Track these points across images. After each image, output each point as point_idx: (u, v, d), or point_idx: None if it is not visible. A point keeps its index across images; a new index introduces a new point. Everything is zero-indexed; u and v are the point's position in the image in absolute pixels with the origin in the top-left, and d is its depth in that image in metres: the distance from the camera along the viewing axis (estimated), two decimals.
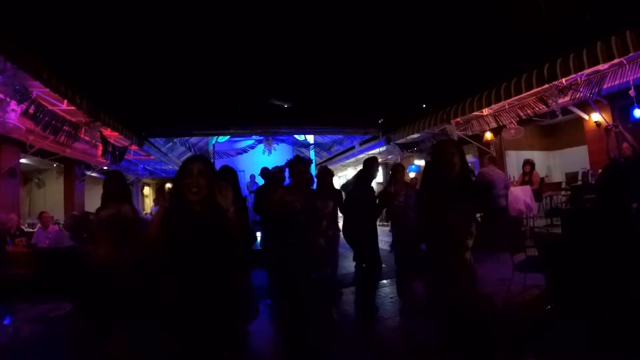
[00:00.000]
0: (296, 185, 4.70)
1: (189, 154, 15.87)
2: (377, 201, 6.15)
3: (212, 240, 2.44)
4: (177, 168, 17.66)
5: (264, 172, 7.65)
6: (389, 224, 14.80)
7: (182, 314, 2.38)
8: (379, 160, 18.11)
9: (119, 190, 4.76)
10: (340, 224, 6.30)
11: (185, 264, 2.40)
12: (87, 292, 4.34)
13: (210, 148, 15.77)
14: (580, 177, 11.44)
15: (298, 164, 4.71)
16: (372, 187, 6.16)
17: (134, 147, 11.31)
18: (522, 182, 10.68)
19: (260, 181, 9.20)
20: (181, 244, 2.40)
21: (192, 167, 2.54)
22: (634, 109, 8.88)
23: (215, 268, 2.45)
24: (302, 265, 4.42)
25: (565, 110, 10.22)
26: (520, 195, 9.62)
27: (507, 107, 10.53)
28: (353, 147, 15.94)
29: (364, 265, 5.89)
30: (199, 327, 2.38)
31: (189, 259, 2.40)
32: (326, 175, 6.50)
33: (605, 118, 10.44)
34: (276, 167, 6.61)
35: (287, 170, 5.03)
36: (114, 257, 4.37)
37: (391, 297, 6.37)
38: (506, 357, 4.01)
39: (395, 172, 6.32)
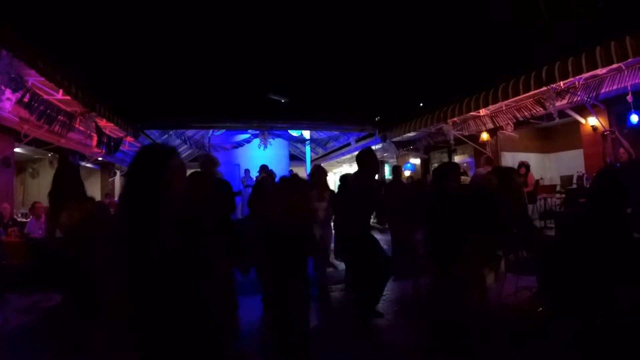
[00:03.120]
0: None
1: (191, 149, 15.77)
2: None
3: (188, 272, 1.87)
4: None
5: (263, 169, 7.65)
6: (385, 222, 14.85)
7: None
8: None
9: (75, 183, 4.19)
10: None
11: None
12: (76, 284, 4.30)
13: (206, 141, 15.75)
14: (575, 181, 11.47)
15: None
16: (370, 188, 5.44)
17: (129, 139, 11.26)
18: None
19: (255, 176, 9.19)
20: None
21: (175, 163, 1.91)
22: (630, 114, 8.90)
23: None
24: (294, 262, 4.38)
25: (562, 113, 10.22)
26: None
27: (504, 108, 10.53)
28: (349, 144, 15.94)
29: (364, 266, 5.51)
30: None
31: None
32: (321, 174, 6.47)
33: (602, 122, 10.46)
34: (267, 172, 6.52)
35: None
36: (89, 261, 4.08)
37: (383, 295, 6.36)
38: (497, 358, 4.02)
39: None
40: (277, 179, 6.42)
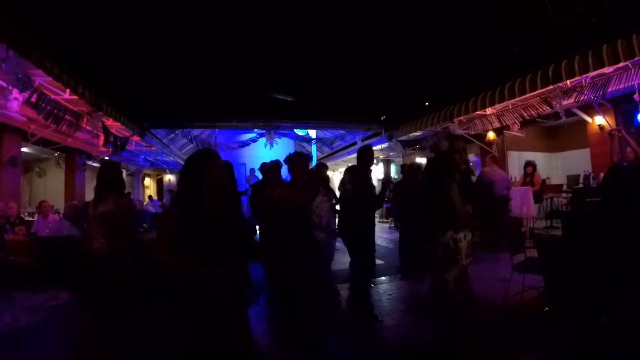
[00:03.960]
0: (296, 183, 4.67)
1: (199, 148, 15.85)
2: (376, 193, 6.01)
3: (225, 235, 2.64)
4: (179, 160, 17.74)
5: (263, 167, 7.66)
6: (390, 220, 14.87)
7: (189, 301, 2.53)
8: (381, 157, 17.94)
9: (116, 182, 4.71)
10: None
11: (197, 256, 2.52)
12: (85, 282, 4.34)
13: (212, 140, 15.78)
14: (581, 180, 11.44)
15: (297, 160, 4.65)
16: (370, 178, 5.97)
17: (135, 138, 11.32)
18: (524, 183, 10.70)
19: (260, 176, 9.19)
20: (197, 241, 2.53)
21: (218, 162, 2.76)
22: (637, 113, 8.86)
23: (223, 257, 2.61)
24: (299, 260, 4.41)
25: (568, 112, 10.20)
26: (522, 196, 9.64)
27: (510, 107, 10.53)
28: (355, 143, 15.90)
29: (355, 259, 5.77)
30: (206, 313, 2.53)
31: (202, 253, 2.53)
32: (322, 169, 6.49)
33: (609, 121, 10.42)
34: (272, 162, 6.55)
35: (285, 165, 4.99)
36: (108, 251, 4.34)
37: (389, 294, 6.37)
38: (504, 357, 4.01)
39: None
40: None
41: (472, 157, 16.05)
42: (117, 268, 4.31)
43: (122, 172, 4.93)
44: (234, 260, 2.67)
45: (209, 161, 2.74)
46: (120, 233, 4.50)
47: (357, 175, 5.73)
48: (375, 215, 6.45)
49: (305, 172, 4.73)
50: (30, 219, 10.03)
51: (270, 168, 6.48)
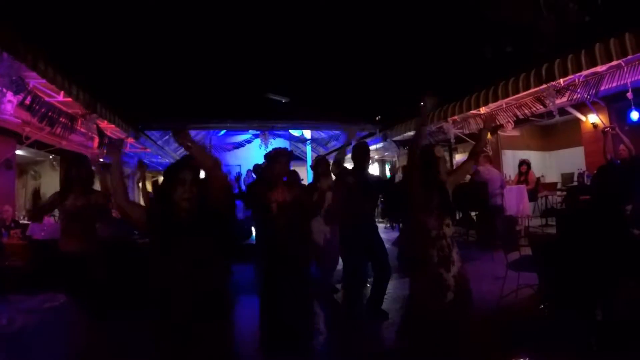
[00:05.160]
0: (277, 181, 4.52)
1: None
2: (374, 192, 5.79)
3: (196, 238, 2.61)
4: (173, 162, 17.75)
5: (256, 168, 7.65)
6: (386, 220, 14.85)
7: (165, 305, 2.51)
8: (376, 157, 17.90)
9: (86, 176, 4.44)
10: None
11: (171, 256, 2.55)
12: (82, 286, 4.29)
13: (207, 142, 15.77)
14: (575, 178, 11.49)
15: (279, 156, 4.50)
16: (367, 177, 5.65)
17: (130, 140, 11.27)
18: (518, 182, 10.73)
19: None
20: (166, 237, 2.57)
21: (184, 176, 2.64)
22: (630, 111, 8.89)
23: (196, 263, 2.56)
24: (291, 260, 4.33)
25: (562, 111, 10.22)
26: (516, 194, 9.68)
27: (504, 106, 10.53)
28: (350, 143, 15.91)
29: (351, 266, 5.52)
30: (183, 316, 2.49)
31: (175, 253, 2.55)
32: (322, 165, 6.37)
33: (602, 120, 10.46)
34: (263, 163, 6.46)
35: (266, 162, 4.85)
36: (84, 250, 4.23)
37: (387, 294, 6.36)
38: (498, 356, 4.02)
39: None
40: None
41: (467, 157, 16.07)
42: (90, 269, 4.18)
43: (89, 165, 4.60)
44: (203, 271, 2.58)
45: (175, 174, 2.65)
46: (93, 231, 4.40)
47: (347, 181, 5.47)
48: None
49: (286, 170, 4.57)
50: (26, 222, 9.98)
51: (263, 168, 6.44)
